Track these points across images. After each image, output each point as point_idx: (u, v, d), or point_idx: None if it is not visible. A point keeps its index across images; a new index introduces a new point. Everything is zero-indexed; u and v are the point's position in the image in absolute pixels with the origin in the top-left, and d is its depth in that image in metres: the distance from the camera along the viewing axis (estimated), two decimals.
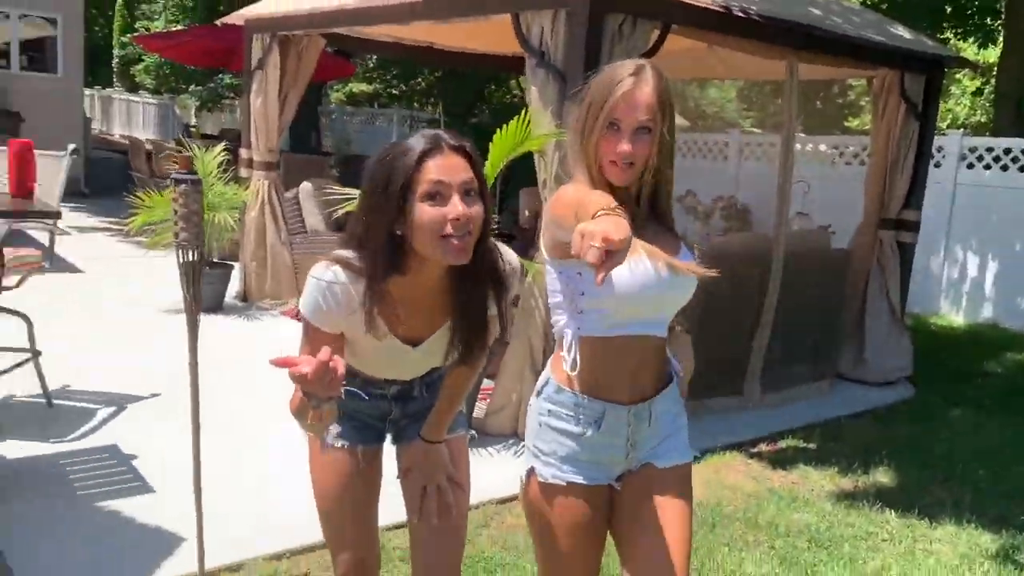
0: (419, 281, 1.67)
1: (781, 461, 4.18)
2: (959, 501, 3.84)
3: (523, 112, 3.84)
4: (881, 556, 3.28)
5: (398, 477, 2.01)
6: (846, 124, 16.71)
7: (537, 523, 1.82)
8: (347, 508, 1.94)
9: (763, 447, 4.37)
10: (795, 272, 4.93)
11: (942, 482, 4.07)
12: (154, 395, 4.31)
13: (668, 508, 1.77)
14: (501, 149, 3.86)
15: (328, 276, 1.63)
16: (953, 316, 8.22)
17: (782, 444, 4.45)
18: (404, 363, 1.81)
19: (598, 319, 1.72)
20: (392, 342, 1.72)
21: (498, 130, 3.77)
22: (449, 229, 1.53)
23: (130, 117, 21.49)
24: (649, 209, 1.79)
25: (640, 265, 1.66)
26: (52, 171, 3.91)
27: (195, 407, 2.76)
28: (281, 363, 1.36)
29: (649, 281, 1.68)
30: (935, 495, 3.91)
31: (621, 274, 1.61)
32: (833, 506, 3.69)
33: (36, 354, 3.97)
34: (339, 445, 1.89)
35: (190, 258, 2.52)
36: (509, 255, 1.79)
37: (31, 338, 3.95)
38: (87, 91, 21.00)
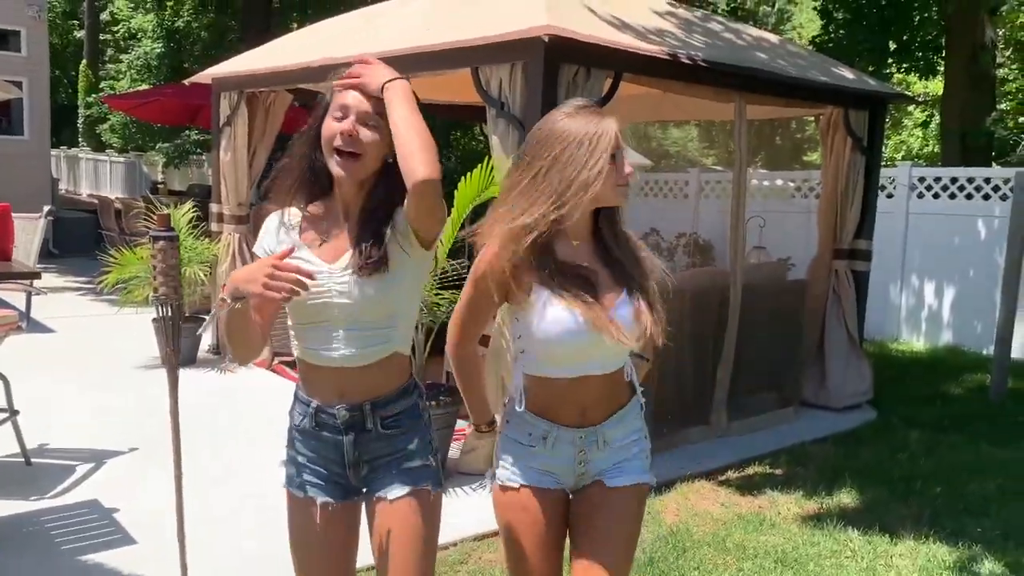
0: (337, 200, 1.87)
1: (749, 487, 4.32)
2: (918, 518, 3.98)
3: (486, 160, 4.02)
4: (845, 573, 3.41)
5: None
6: (805, 159, 17.16)
7: (500, 524, 1.99)
8: (315, 563, 1.94)
9: (731, 474, 4.51)
10: (754, 304, 5.12)
11: (902, 500, 4.22)
12: (132, 449, 4.36)
13: (610, 524, 1.92)
14: (466, 196, 4.03)
15: (270, 218, 1.94)
16: (914, 341, 8.46)
17: (749, 471, 4.59)
18: (332, 298, 1.82)
19: (532, 361, 1.91)
20: (316, 261, 1.83)
21: (463, 178, 3.93)
22: (339, 142, 1.78)
23: (97, 176, 21.49)
24: (611, 235, 1.93)
25: (552, 312, 1.81)
26: (29, 232, 4.00)
27: (177, 458, 2.84)
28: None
29: (566, 331, 1.82)
30: (896, 513, 4.06)
31: (532, 320, 1.83)
32: (799, 528, 3.83)
33: (14, 413, 4.02)
34: (301, 496, 1.91)
35: (169, 312, 2.63)
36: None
37: (8, 397, 4.01)
38: (53, 152, 21.02)
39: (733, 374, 5.09)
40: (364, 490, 1.94)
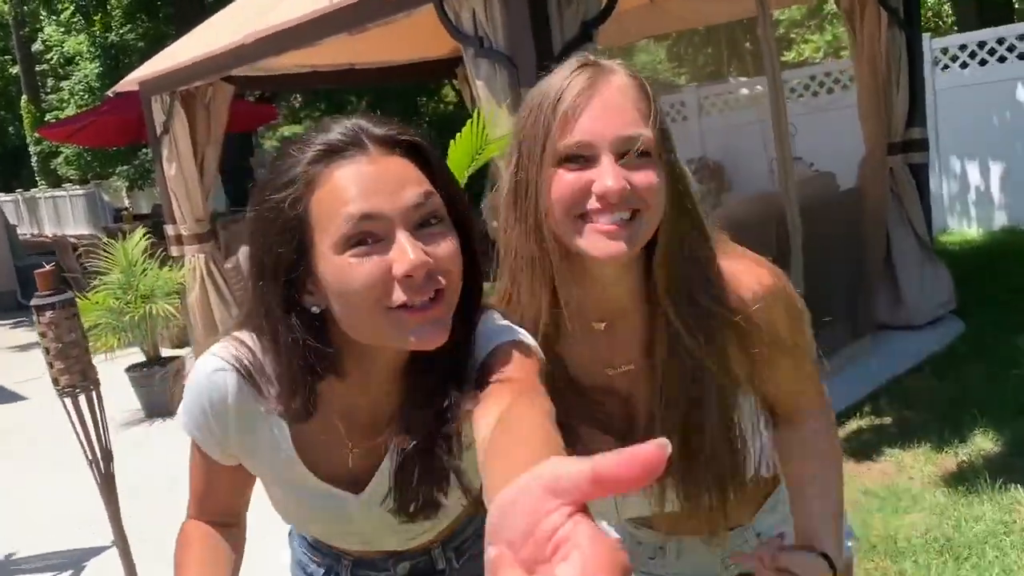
0: (365, 385, 0.98)
1: (862, 448, 3.55)
2: None
3: (475, 114, 3.18)
4: None
5: None
6: (782, 60, 16.36)
7: None
8: None
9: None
10: (810, 226, 4.31)
11: None
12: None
13: None
14: (459, 163, 3.20)
15: (211, 370, 0.98)
16: (965, 230, 7.67)
17: (851, 425, 3.82)
18: (353, 523, 1.06)
19: None
20: (319, 489, 1.02)
21: (452, 142, 3.10)
22: (400, 295, 0.85)
23: (59, 214, 20.56)
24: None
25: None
26: None
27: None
28: None
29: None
30: None
31: None
32: (947, 497, 3.06)
33: None
34: None
35: (82, 404, 1.85)
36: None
37: None
38: (8, 196, 20.11)
39: None
40: None
